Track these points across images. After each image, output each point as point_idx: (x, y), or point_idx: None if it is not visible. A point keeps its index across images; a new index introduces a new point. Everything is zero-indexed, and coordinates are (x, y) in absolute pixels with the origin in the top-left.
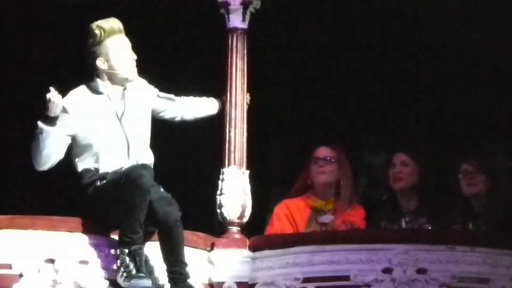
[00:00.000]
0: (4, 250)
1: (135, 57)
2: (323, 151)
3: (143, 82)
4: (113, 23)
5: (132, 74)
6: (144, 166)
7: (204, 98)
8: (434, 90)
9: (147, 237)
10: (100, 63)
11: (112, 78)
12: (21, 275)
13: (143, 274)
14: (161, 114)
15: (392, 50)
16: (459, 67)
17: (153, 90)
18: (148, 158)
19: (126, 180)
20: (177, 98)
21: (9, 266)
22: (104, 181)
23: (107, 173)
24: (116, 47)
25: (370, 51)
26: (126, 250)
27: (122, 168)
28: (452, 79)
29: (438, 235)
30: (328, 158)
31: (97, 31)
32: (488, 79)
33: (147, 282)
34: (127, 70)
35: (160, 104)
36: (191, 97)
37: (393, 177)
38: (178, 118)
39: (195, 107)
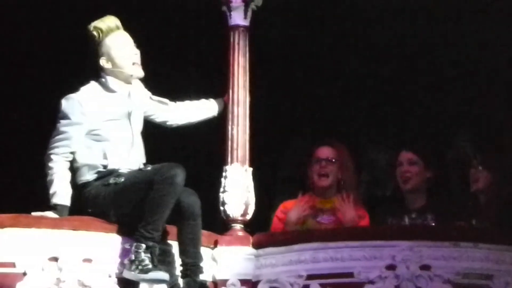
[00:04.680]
0: (8, 248)
1: (137, 52)
2: (324, 151)
3: (140, 83)
4: (109, 21)
5: (136, 71)
6: (178, 166)
7: (203, 101)
8: (438, 87)
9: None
10: (103, 62)
11: (118, 76)
12: (25, 274)
13: (160, 268)
14: (152, 117)
15: (395, 47)
16: (464, 64)
17: (146, 93)
18: (143, 159)
19: (161, 178)
20: (171, 103)
21: (13, 265)
22: (123, 179)
23: (116, 170)
24: (116, 45)
25: (374, 48)
26: (143, 246)
27: (122, 167)
28: (456, 76)
29: (441, 232)
30: (329, 158)
31: (94, 32)
32: (493, 77)
33: (165, 275)
34: (130, 66)
35: (151, 107)
36: (187, 102)
37: (401, 176)
38: (170, 123)
39: (190, 112)
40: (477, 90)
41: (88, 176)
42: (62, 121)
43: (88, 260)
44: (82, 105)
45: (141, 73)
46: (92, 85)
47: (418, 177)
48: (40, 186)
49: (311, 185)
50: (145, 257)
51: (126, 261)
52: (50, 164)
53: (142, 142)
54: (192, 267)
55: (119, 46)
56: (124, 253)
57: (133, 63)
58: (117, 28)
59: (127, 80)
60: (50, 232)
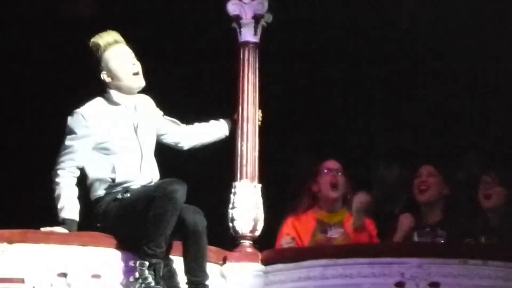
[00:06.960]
0: (16, 264)
1: (136, 62)
2: (334, 163)
3: (151, 101)
4: (107, 36)
5: (136, 81)
6: (178, 181)
7: (213, 122)
8: (450, 105)
9: (168, 252)
10: (104, 76)
11: (121, 89)
12: None
13: (163, 286)
14: (163, 137)
15: (408, 58)
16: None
17: (158, 111)
18: (157, 173)
19: (161, 194)
20: (183, 125)
21: (21, 281)
22: (129, 194)
23: (127, 187)
24: (114, 59)
25: (388, 63)
26: (147, 263)
27: (134, 180)
28: (468, 93)
29: (450, 249)
30: (340, 170)
31: (93, 48)
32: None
33: None
34: (130, 77)
35: (163, 125)
36: (198, 124)
37: (418, 187)
38: (181, 144)
39: (202, 134)
40: (489, 107)
41: (99, 191)
42: (68, 136)
43: (97, 276)
44: (86, 118)
45: (142, 82)
46: (97, 99)
47: (434, 189)
48: (49, 201)
49: (319, 197)
50: (148, 274)
51: (131, 279)
52: (57, 180)
53: (154, 157)
54: (197, 286)
55: (117, 58)
56: (131, 270)
57: (133, 74)
58: (116, 42)
59: (130, 92)
60: (59, 248)
